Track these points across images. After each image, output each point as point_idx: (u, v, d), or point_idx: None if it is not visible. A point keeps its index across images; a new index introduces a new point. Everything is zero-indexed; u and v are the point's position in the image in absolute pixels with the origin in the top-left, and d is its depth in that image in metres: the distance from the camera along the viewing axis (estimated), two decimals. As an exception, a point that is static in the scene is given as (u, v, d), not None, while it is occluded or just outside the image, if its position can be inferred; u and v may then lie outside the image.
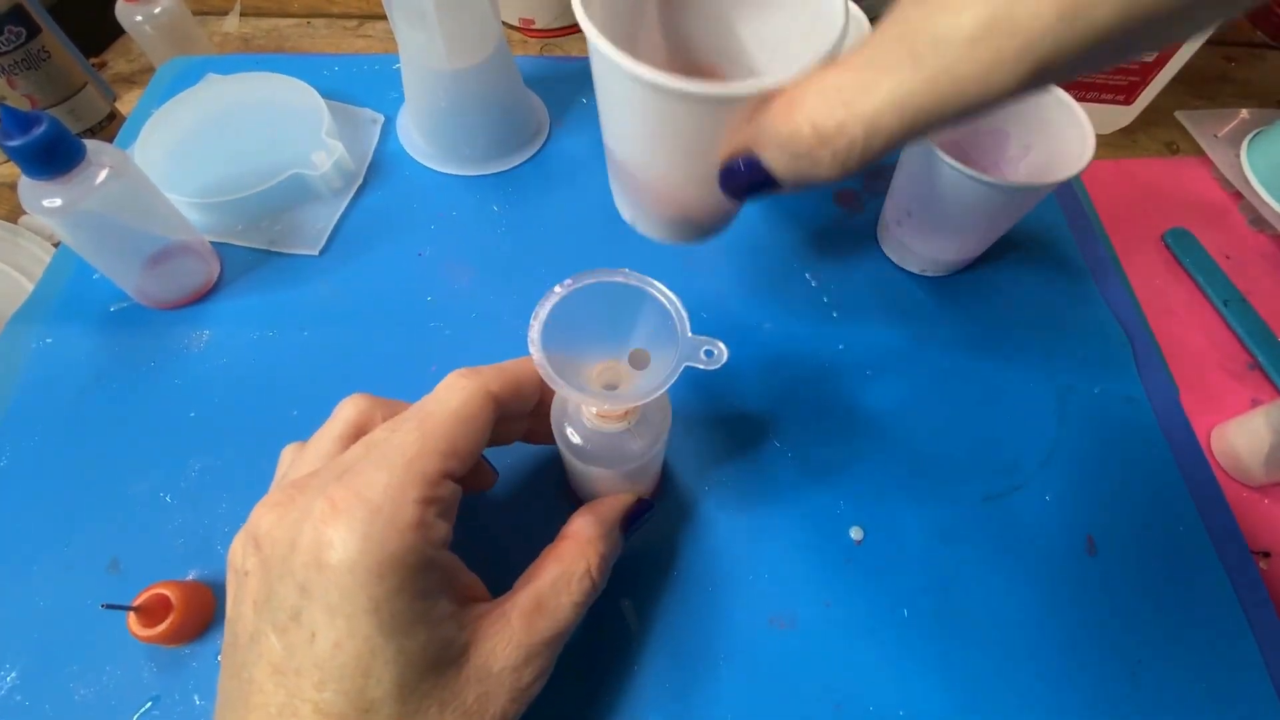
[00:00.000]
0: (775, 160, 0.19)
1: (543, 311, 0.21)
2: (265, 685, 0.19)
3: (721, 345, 0.21)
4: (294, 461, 0.24)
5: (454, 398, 0.22)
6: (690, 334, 0.22)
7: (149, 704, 0.27)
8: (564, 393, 0.21)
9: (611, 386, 0.24)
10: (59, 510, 0.31)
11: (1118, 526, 0.32)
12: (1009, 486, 0.33)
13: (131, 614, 0.27)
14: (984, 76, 0.15)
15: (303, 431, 0.33)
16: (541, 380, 0.25)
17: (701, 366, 0.21)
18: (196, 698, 0.27)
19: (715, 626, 0.29)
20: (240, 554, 0.22)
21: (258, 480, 0.32)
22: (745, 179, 0.20)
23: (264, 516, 0.21)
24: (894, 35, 0.16)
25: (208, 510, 0.31)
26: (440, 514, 0.21)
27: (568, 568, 0.24)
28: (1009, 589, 0.31)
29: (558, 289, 0.22)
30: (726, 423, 0.34)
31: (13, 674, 0.28)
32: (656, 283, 0.22)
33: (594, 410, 0.24)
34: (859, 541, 0.31)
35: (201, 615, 0.28)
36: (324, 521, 0.19)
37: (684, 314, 0.22)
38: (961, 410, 0.35)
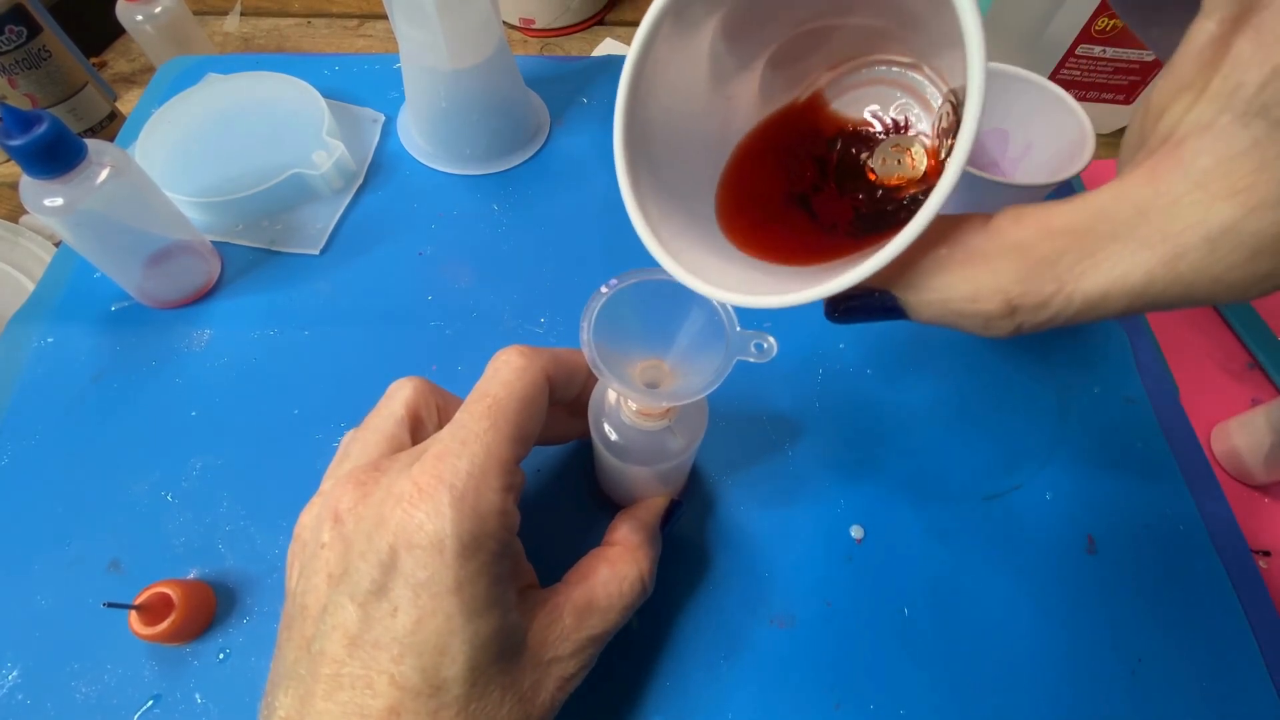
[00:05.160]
0: (924, 309, 0.16)
1: (592, 312, 0.21)
2: (338, 655, 0.19)
3: (771, 339, 0.21)
4: (354, 439, 0.24)
5: (518, 381, 0.22)
6: (739, 329, 0.21)
7: (150, 702, 0.27)
8: (622, 392, 0.20)
9: (652, 385, 0.24)
10: (59, 510, 0.31)
11: (1118, 526, 0.32)
12: (1009, 486, 0.33)
13: (133, 613, 0.27)
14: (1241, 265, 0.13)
15: (303, 430, 0.34)
16: (587, 371, 0.25)
17: (752, 360, 0.21)
18: (198, 696, 0.27)
19: (715, 625, 0.29)
20: (313, 527, 0.22)
21: (259, 479, 0.32)
22: (862, 315, 0.17)
23: (345, 494, 0.21)
24: (1120, 209, 0.14)
25: (209, 509, 0.31)
26: (515, 501, 0.22)
27: (620, 571, 0.25)
28: (1009, 588, 0.31)
29: (604, 289, 0.22)
30: (725, 421, 0.34)
31: (14, 673, 0.28)
32: None
33: (634, 408, 0.24)
34: (860, 540, 0.31)
35: (203, 614, 0.28)
36: (411, 503, 0.20)
37: (731, 310, 0.21)
38: (962, 409, 0.35)
